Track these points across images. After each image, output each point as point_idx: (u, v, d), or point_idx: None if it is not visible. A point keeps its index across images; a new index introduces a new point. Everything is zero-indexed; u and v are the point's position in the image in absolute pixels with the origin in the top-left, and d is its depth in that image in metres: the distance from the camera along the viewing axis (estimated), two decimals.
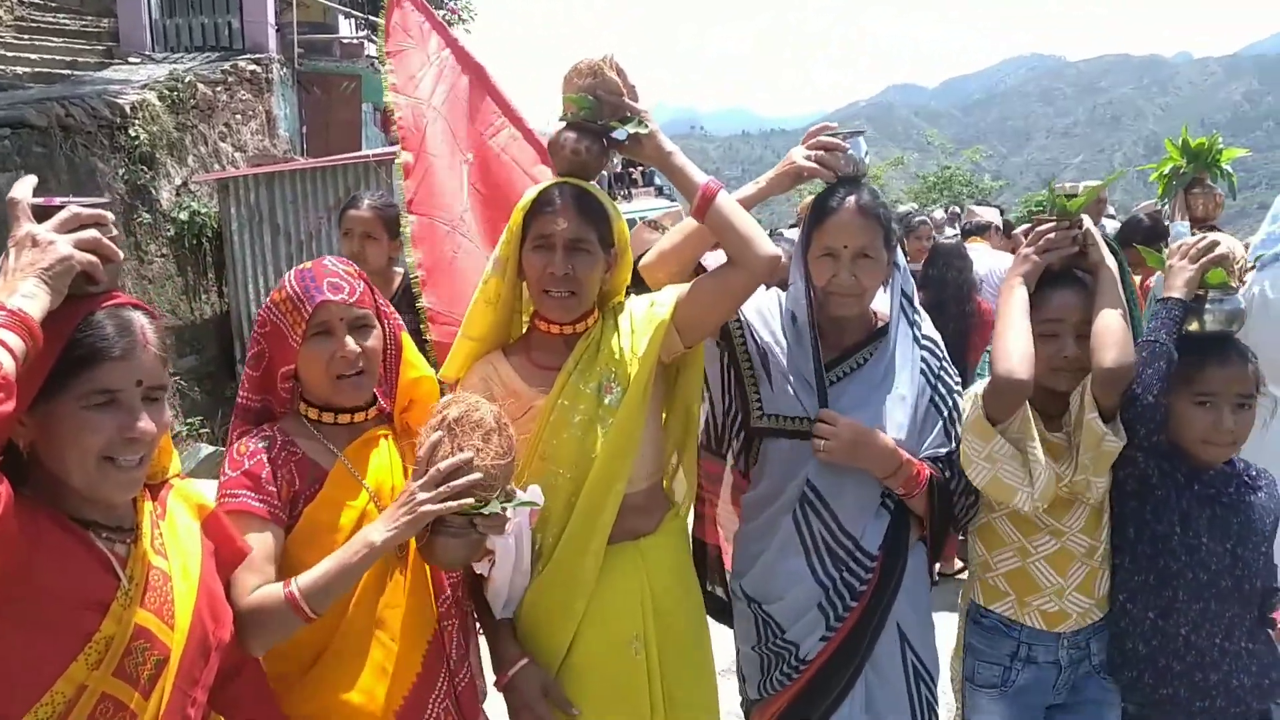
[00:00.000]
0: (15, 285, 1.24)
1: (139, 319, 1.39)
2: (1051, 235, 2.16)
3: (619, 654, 2.04)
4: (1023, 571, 2.17)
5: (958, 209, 13.00)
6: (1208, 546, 2.05)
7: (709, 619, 2.34)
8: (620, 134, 2.05)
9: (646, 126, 2.07)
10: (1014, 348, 2.05)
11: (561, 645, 2.02)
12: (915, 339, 2.25)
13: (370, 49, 14.43)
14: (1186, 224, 4.68)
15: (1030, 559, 2.16)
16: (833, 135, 2.24)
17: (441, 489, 1.65)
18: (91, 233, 1.35)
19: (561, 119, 2.10)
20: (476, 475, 1.67)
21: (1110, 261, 2.16)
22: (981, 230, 6.96)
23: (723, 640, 2.39)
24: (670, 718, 2.09)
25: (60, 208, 1.35)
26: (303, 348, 1.77)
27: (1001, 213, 13.75)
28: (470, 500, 1.67)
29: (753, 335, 2.27)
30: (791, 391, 2.21)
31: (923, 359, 2.24)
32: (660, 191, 18.27)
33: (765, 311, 2.30)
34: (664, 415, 2.28)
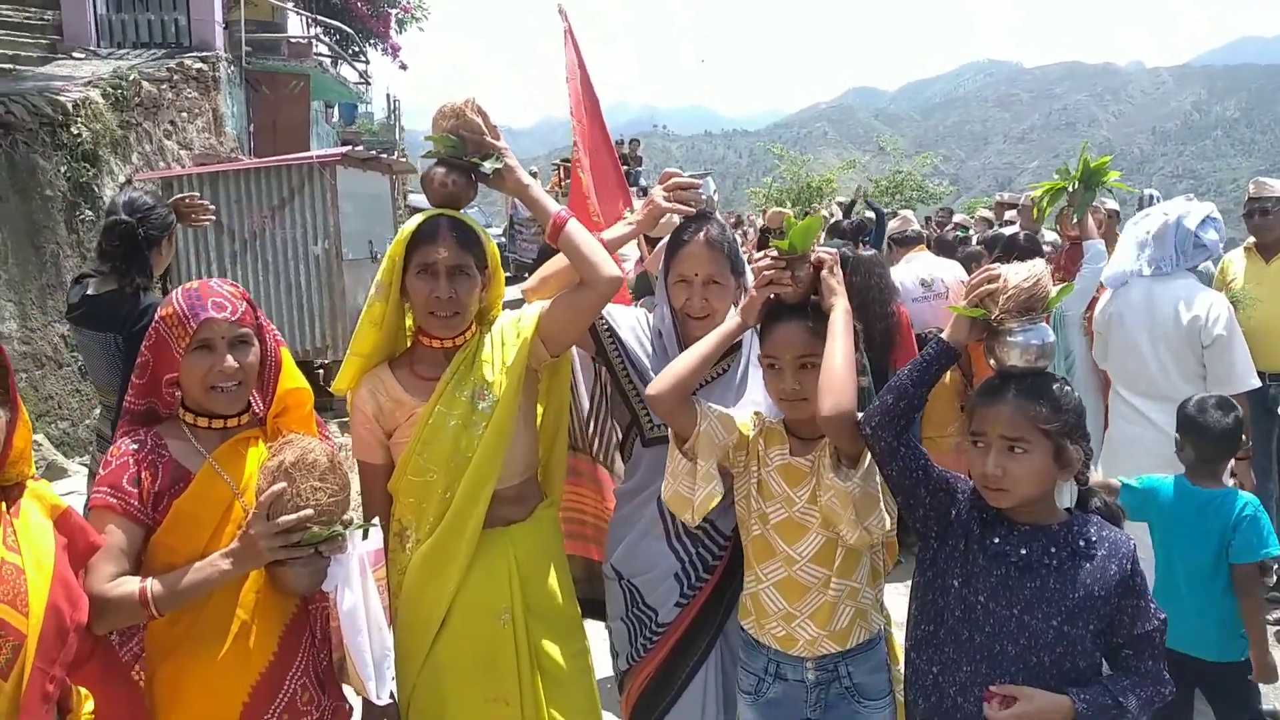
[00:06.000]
0: None
1: None
2: (768, 271, 2.14)
3: (488, 625, 2.28)
4: (757, 596, 2.21)
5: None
6: (985, 607, 1.92)
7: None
8: (486, 168, 2.30)
9: (504, 162, 2.31)
10: (668, 369, 2.19)
11: (437, 616, 2.27)
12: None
13: (319, 47, 14.51)
14: (1102, 242, 4.98)
15: (762, 585, 2.19)
16: (683, 177, 2.54)
17: (279, 539, 1.85)
18: None
19: (427, 156, 2.33)
20: (309, 512, 1.87)
21: (842, 303, 2.10)
22: (914, 241, 6.52)
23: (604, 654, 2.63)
24: (542, 685, 2.31)
25: None
26: (184, 360, 1.97)
27: (951, 214, 14.09)
28: (315, 530, 1.87)
29: (630, 359, 2.51)
30: None
31: (765, 372, 2.49)
32: (644, 192, 18.65)
33: (638, 334, 2.55)
34: (538, 416, 2.51)
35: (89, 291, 3.64)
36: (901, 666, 2.16)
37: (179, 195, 4.09)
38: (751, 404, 2.43)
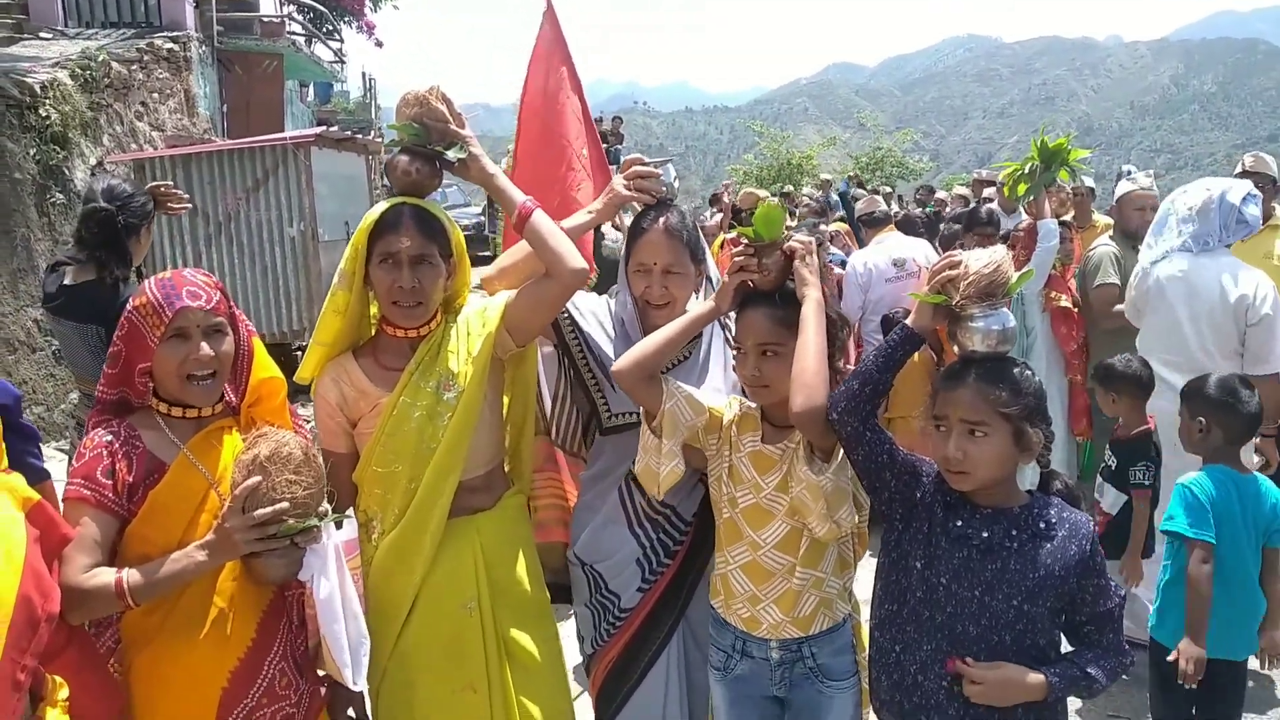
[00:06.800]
0: None
1: None
2: (738, 257, 2.18)
3: (454, 614, 2.29)
4: (725, 577, 2.24)
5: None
6: (946, 588, 1.96)
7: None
8: (450, 156, 2.28)
9: (469, 150, 2.30)
10: (635, 348, 2.22)
11: (403, 606, 2.27)
12: (726, 340, 2.53)
13: (293, 26, 14.32)
14: (1055, 221, 5.05)
15: (730, 566, 2.23)
16: (645, 165, 2.51)
17: (254, 532, 1.87)
18: None
19: (391, 144, 2.32)
20: (284, 505, 1.88)
21: (815, 294, 2.10)
22: (883, 222, 6.29)
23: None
24: (510, 672, 2.33)
25: None
26: (159, 349, 1.96)
27: (932, 192, 14.11)
28: (290, 522, 1.89)
29: (590, 348, 2.51)
30: None
31: (734, 357, 2.50)
32: None
33: (600, 319, 2.55)
34: (505, 404, 2.52)
35: (66, 281, 3.60)
36: (867, 655, 2.19)
37: (154, 183, 4.05)
38: (713, 390, 2.44)
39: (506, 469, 2.54)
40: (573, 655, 2.66)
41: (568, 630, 2.61)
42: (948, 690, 1.95)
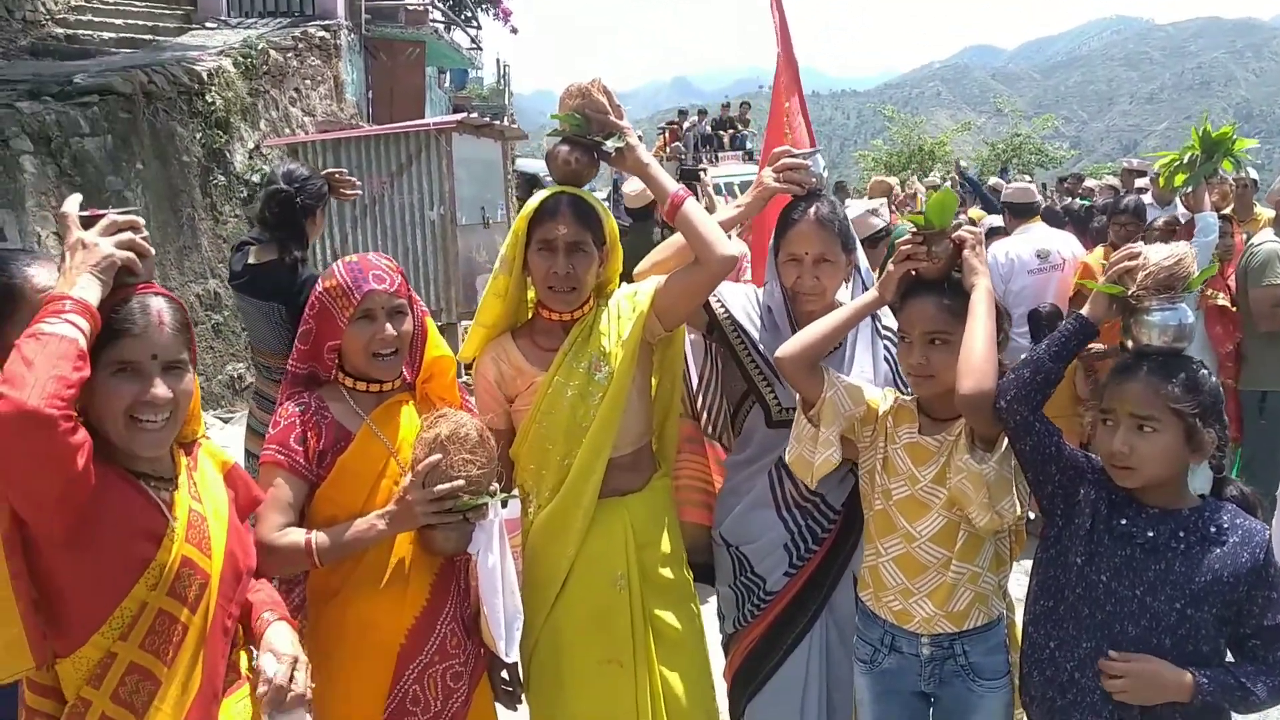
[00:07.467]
0: (74, 279, 1.56)
1: (158, 304, 1.67)
2: (905, 246, 2.19)
3: (605, 589, 2.39)
4: (876, 569, 2.25)
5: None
6: (1106, 586, 1.93)
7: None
8: (608, 147, 2.37)
9: (626, 141, 2.38)
10: (801, 335, 2.26)
11: (556, 580, 2.39)
12: (876, 330, 2.54)
13: (435, 15, 14.78)
14: (1214, 215, 4.81)
15: (881, 559, 2.23)
16: (793, 157, 2.54)
17: (432, 505, 2.02)
18: (127, 235, 1.65)
19: (553, 134, 2.43)
20: (460, 483, 2.03)
21: (985, 282, 2.11)
22: (1030, 212, 5.81)
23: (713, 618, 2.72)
24: (655, 648, 2.41)
25: (102, 216, 1.66)
26: (348, 328, 2.12)
27: (1081, 181, 13.48)
28: (465, 498, 2.04)
29: (753, 345, 2.54)
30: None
31: (885, 346, 2.53)
32: (750, 156, 18.62)
33: (749, 312, 2.59)
34: (653, 387, 2.60)
35: (250, 260, 3.87)
36: (1019, 654, 2.15)
37: (330, 169, 4.32)
38: (864, 380, 2.44)
39: (654, 449, 2.61)
40: (712, 636, 2.72)
41: (708, 611, 2.67)
42: (1104, 690, 1.91)
